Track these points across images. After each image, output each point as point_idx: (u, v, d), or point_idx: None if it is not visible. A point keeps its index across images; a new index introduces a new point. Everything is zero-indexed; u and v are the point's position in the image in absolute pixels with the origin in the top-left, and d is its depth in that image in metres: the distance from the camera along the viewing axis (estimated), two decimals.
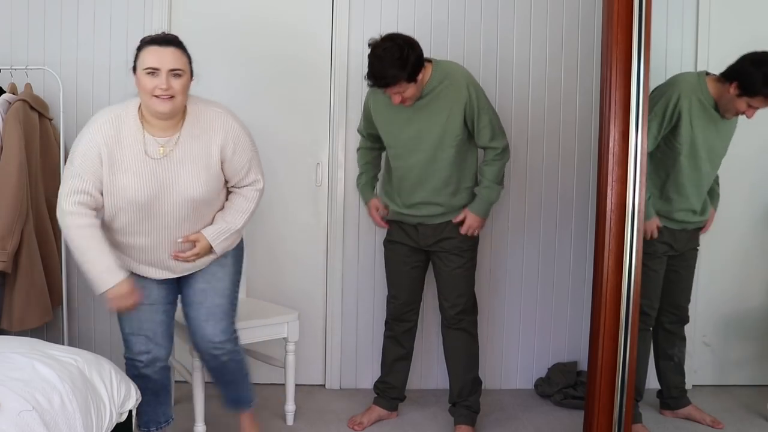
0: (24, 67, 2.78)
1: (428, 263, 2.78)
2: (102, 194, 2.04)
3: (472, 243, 2.72)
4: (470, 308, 2.75)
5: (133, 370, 2.21)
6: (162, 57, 1.97)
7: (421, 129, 2.56)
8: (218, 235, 2.17)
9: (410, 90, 2.44)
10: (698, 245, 2.78)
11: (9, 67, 2.79)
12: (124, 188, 2.03)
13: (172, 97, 1.97)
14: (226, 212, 2.21)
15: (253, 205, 2.23)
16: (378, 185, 2.87)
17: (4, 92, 2.78)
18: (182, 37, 3.01)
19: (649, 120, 2.31)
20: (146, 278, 2.19)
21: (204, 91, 3.07)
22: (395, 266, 2.79)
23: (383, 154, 2.83)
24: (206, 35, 3.07)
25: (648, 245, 2.48)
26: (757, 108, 2.48)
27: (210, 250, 2.17)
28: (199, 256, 2.16)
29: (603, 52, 2.21)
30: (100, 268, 2.02)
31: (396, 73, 2.35)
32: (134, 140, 2.03)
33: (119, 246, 2.14)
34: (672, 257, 2.67)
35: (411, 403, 2.99)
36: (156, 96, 1.97)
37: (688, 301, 2.77)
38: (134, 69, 2.03)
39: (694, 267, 2.78)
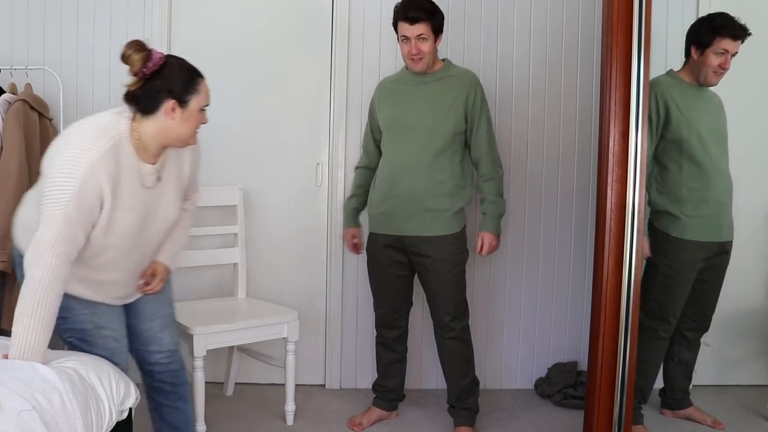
0: (24, 67, 2.78)
1: (413, 268, 2.71)
2: (88, 237, 1.78)
3: (461, 245, 2.66)
4: (462, 314, 2.68)
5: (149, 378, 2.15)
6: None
7: (423, 108, 2.57)
8: (173, 259, 2.11)
9: (427, 45, 2.51)
10: (729, 256, 2.71)
11: (9, 67, 2.79)
12: (119, 224, 1.82)
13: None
14: (175, 233, 2.10)
15: (193, 219, 2.19)
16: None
17: (4, 92, 2.78)
18: (182, 37, 3.05)
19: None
20: (100, 303, 1.98)
21: None
22: (379, 276, 2.74)
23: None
24: (206, 35, 3.07)
25: (679, 254, 2.52)
26: (725, 52, 2.55)
27: (167, 272, 2.11)
28: (163, 282, 2.10)
29: (603, 52, 2.22)
30: (44, 340, 1.72)
31: (427, 9, 2.48)
32: (132, 171, 1.81)
33: (88, 282, 1.91)
34: (703, 267, 2.63)
35: (411, 403, 2.99)
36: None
37: (713, 311, 2.73)
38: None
39: (723, 277, 2.72)
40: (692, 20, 3.06)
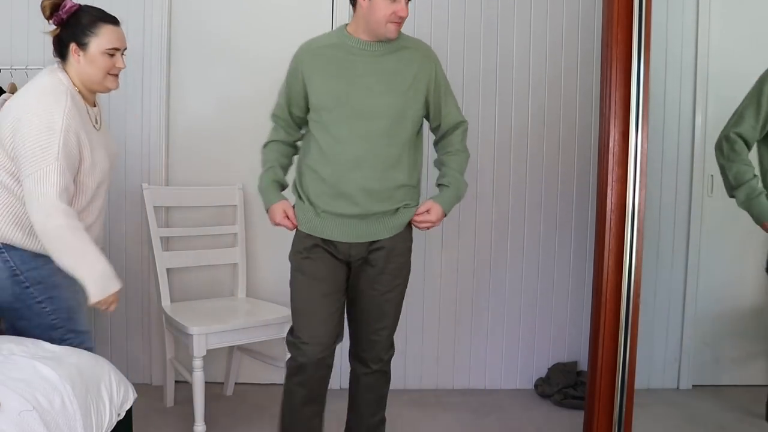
0: (24, 67, 2.78)
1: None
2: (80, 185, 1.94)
3: (408, 255, 2.23)
4: (392, 342, 2.29)
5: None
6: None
7: (377, 88, 2.06)
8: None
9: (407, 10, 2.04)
10: None
11: (9, 67, 2.79)
12: (102, 164, 1.99)
13: None
14: None
15: None
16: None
17: (4, 92, 2.78)
18: (182, 37, 3.04)
19: (742, 110, 2.29)
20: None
21: (203, 89, 3.09)
22: (310, 294, 2.13)
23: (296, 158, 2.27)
24: (206, 35, 3.07)
25: None
26: None
27: None
28: None
29: (603, 52, 2.22)
30: (101, 268, 1.89)
31: None
32: (86, 115, 1.98)
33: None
34: None
35: (411, 403, 2.99)
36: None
37: None
38: None
39: None
40: (692, 20, 3.06)
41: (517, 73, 3.14)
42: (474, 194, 3.14)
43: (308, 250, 2.14)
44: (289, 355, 2.19)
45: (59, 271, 1.92)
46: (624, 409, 2.20)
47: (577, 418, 2.50)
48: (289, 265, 2.20)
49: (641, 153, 2.13)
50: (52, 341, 1.93)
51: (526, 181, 3.18)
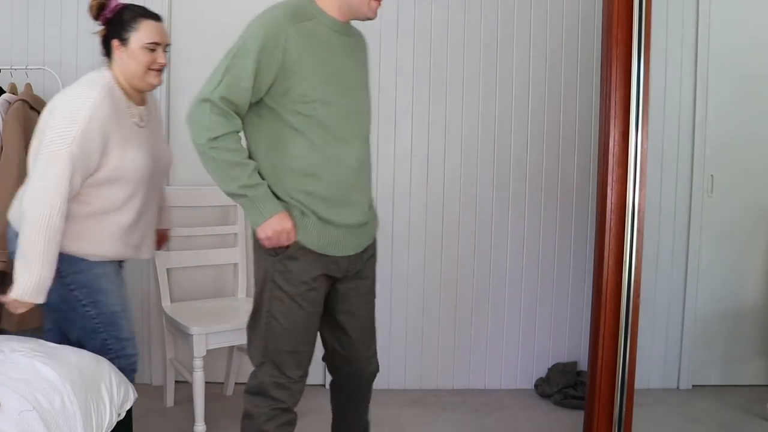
0: (24, 67, 2.78)
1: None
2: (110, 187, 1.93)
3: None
4: None
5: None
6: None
7: (360, 78, 1.87)
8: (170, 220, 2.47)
9: None
10: None
11: (9, 67, 2.79)
12: (135, 162, 1.95)
13: None
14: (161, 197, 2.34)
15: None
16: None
17: (4, 92, 2.78)
18: (182, 37, 3.04)
19: None
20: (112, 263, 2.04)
21: None
22: (309, 331, 1.84)
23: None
24: (206, 35, 3.07)
25: None
26: None
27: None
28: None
29: (603, 52, 2.22)
30: (44, 277, 1.80)
31: None
32: (126, 111, 1.98)
33: (123, 234, 1.99)
34: None
35: (411, 403, 2.99)
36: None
37: None
38: None
39: None
40: (692, 20, 3.06)
41: (517, 73, 3.14)
42: (474, 194, 3.15)
43: (315, 280, 1.79)
44: (265, 400, 1.81)
45: (104, 276, 1.97)
46: (624, 409, 2.20)
47: (577, 418, 2.51)
48: None
49: (641, 153, 2.13)
50: (94, 345, 1.97)
51: (526, 181, 3.18)
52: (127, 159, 1.93)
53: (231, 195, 1.72)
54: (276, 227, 1.70)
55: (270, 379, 1.80)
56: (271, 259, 1.77)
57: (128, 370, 2.03)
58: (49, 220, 1.79)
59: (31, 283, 1.79)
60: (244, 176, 1.69)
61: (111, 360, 1.94)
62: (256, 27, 1.72)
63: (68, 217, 1.85)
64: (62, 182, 1.80)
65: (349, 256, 1.84)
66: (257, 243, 1.79)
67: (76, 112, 1.83)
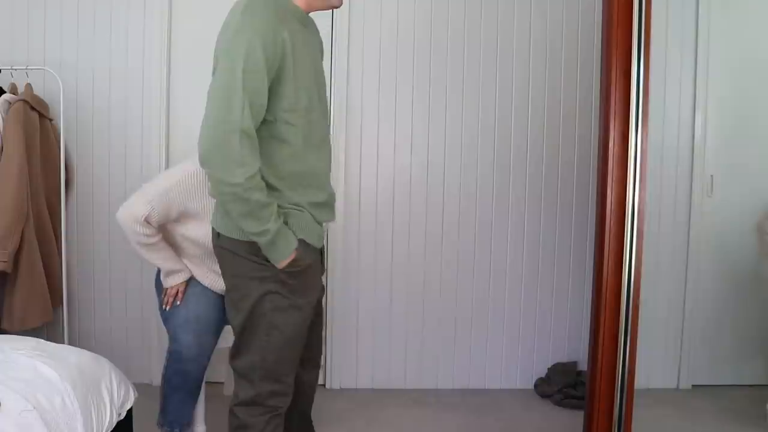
0: (24, 68, 2.78)
1: None
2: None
3: None
4: None
5: (175, 364, 2.23)
6: None
7: (323, 76, 1.81)
8: None
9: None
10: None
11: (9, 67, 2.79)
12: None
13: None
14: None
15: None
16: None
17: (5, 92, 2.78)
18: (182, 38, 3.04)
19: None
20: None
21: (204, 90, 3.08)
22: (307, 323, 1.80)
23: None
24: (206, 36, 3.06)
25: None
26: None
27: None
28: None
29: (603, 52, 2.22)
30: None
31: None
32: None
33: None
34: None
35: (411, 402, 2.99)
36: None
37: None
38: None
39: None
40: (692, 20, 3.07)
41: (517, 73, 3.14)
42: (474, 194, 3.15)
43: (318, 281, 1.86)
44: (261, 409, 1.75)
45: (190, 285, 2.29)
46: (624, 409, 2.20)
47: (577, 418, 2.51)
48: None
49: (641, 153, 2.13)
50: (168, 332, 2.27)
51: (526, 181, 3.18)
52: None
53: (251, 234, 1.59)
54: (293, 255, 1.64)
55: (267, 389, 1.74)
56: (267, 276, 1.66)
57: None
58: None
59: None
60: (272, 217, 1.59)
61: None
62: (251, 33, 1.51)
63: None
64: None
65: (322, 252, 1.87)
66: (237, 267, 1.69)
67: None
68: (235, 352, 1.76)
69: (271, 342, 1.71)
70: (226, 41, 1.56)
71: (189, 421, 2.33)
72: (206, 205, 2.17)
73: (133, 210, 2.12)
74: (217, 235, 1.73)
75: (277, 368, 1.75)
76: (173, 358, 2.22)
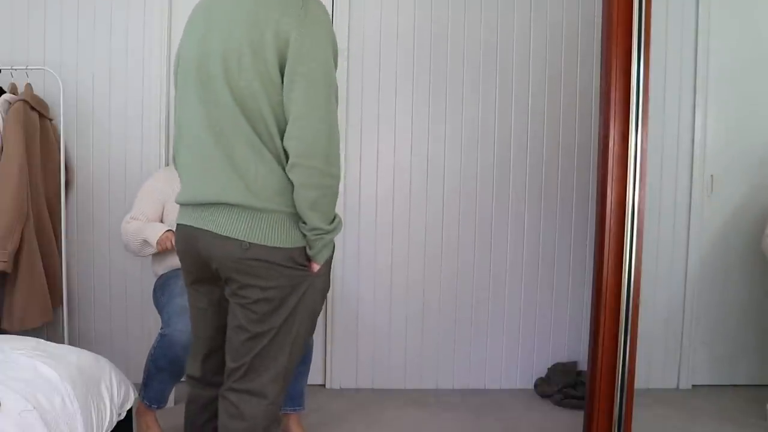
0: (24, 68, 2.78)
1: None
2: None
3: None
4: None
5: (165, 347, 2.27)
6: None
7: None
8: None
9: None
10: None
11: (9, 67, 2.79)
12: None
13: None
14: None
15: None
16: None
17: (5, 92, 2.78)
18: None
19: None
20: None
21: None
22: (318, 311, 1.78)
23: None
24: None
25: None
26: None
27: None
28: None
29: (603, 52, 2.22)
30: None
31: None
32: None
33: None
34: None
35: (411, 402, 2.99)
36: None
37: None
38: None
39: None
40: (692, 20, 3.07)
41: (517, 73, 3.14)
42: (474, 194, 3.15)
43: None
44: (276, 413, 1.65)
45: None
46: (624, 409, 2.20)
47: (577, 418, 2.50)
48: None
49: (641, 153, 2.13)
50: (162, 319, 2.36)
51: (526, 181, 3.18)
52: None
53: (335, 230, 1.58)
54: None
55: (282, 395, 1.64)
56: (304, 279, 1.59)
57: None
58: None
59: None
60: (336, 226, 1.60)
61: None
62: (328, 26, 1.53)
63: None
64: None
65: None
66: (276, 277, 1.56)
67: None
68: (251, 371, 1.59)
69: (296, 343, 1.62)
70: (309, 34, 1.48)
71: (165, 403, 2.41)
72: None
73: (124, 220, 2.55)
74: (247, 247, 1.54)
75: (293, 368, 1.66)
76: (164, 340, 2.27)
